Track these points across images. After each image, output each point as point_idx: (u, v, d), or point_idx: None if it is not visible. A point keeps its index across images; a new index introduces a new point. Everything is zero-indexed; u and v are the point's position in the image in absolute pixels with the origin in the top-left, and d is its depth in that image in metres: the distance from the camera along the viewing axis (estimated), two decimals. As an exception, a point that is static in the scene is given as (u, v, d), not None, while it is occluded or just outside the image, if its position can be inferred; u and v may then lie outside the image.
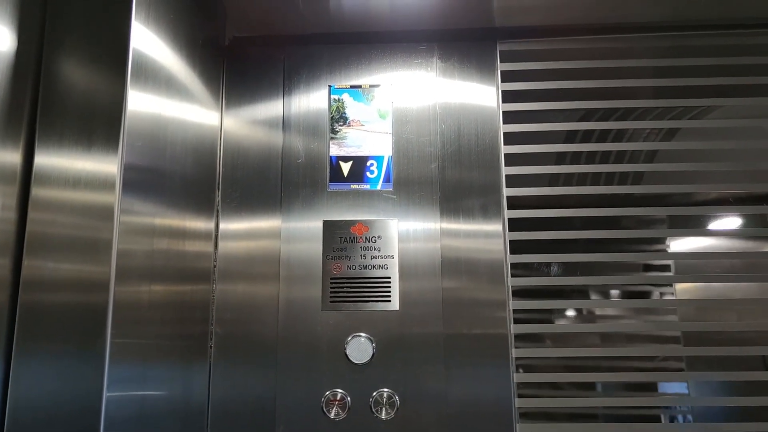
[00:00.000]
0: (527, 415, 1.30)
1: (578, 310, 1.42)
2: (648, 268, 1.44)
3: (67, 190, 0.92)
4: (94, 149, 0.93)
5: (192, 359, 1.23)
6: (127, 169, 0.93)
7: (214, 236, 1.36)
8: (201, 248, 1.28)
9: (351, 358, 1.30)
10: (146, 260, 1.01)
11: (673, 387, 1.38)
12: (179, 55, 1.16)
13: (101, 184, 0.92)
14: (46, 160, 0.93)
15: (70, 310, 0.88)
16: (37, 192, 0.92)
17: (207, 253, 1.32)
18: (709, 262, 1.44)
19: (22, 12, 0.94)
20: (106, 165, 0.92)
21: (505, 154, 1.40)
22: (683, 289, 1.43)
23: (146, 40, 1.02)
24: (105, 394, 0.86)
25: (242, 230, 1.38)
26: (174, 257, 1.13)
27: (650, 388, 1.38)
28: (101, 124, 0.94)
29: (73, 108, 0.95)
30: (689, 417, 1.37)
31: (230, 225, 1.38)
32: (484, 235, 1.36)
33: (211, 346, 1.31)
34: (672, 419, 1.38)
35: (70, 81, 0.96)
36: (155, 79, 1.05)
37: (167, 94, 1.10)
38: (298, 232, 1.37)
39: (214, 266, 1.35)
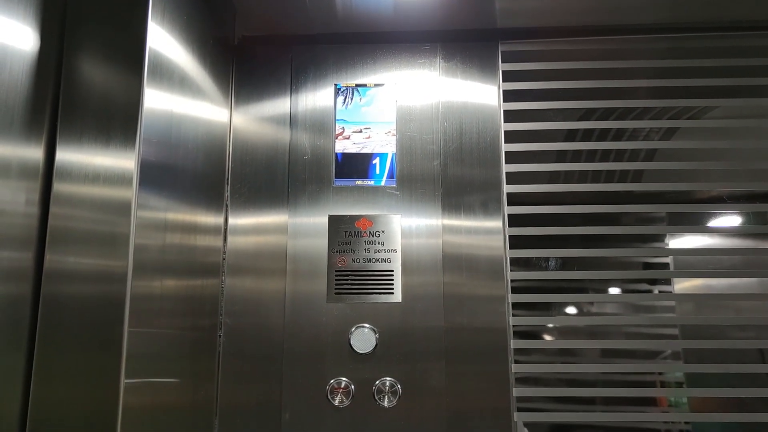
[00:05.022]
0: (525, 405, 1.34)
1: (576, 304, 1.46)
2: (647, 265, 1.47)
3: (87, 185, 0.95)
4: (112, 145, 0.97)
5: (202, 349, 1.27)
6: (144, 165, 0.97)
7: (224, 231, 1.40)
8: (211, 243, 1.32)
9: (355, 348, 1.34)
10: (160, 254, 1.05)
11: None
12: (191, 54, 1.20)
13: (119, 179, 0.95)
14: (66, 156, 0.97)
15: (90, 301, 0.92)
16: (58, 187, 0.96)
17: (216, 248, 1.36)
18: (706, 259, 1.47)
19: (43, 14, 0.98)
20: (123, 161, 0.96)
21: (505, 152, 1.44)
22: (681, 288, 1.47)
23: (161, 40, 1.06)
24: (123, 381, 0.90)
25: (251, 225, 1.41)
26: (186, 251, 1.17)
27: (647, 377, 1.42)
28: (119, 121, 0.97)
29: (92, 106, 0.99)
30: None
31: (239, 220, 1.42)
32: (485, 231, 1.39)
33: (220, 335, 1.35)
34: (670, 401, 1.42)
35: (89, 80, 1.00)
36: (170, 77, 1.09)
37: (180, 92, 1.14)
38: (304, 226, 1.41)
39: (223, 260, 1.39)
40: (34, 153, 0.95)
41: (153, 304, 1.02)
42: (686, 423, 1.42)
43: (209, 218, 1.31)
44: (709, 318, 1.41)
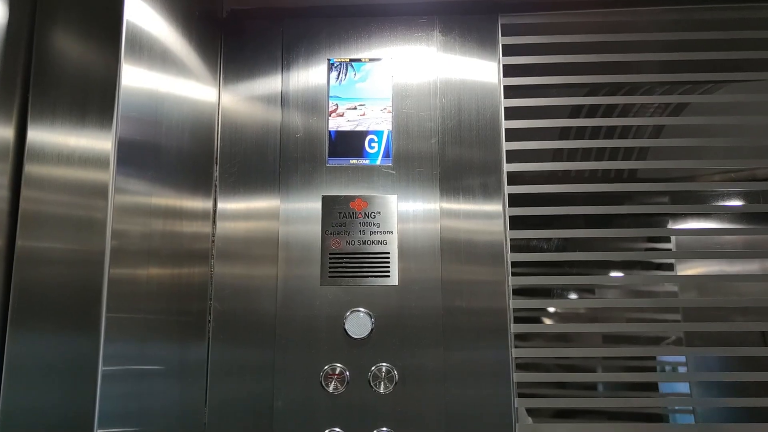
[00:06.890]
0: (525, 391, 1.31)
1: (577, 287, 1.42)
2: (650, 247, 1.44)
3: (61, 167, 0.91)
4: (88, 124, 0.92)
5: (190, 335, 1.23)
6: (122, 146, 0.93)
7: (212, 216, 1.35)
8: (198, 229, 1.27)
9: (350, 333, 1.30)
10: (142, 240, 1.01)
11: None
12: (175, 28, 1.15)
13: (95, 160, 0.91)
14: (39, 135, 0.92)
15: (65, 289, 0.88)
16: (30, 169, 0.91)
17: (205, 234, 1.31)
18: (711, 240, 1.43)
19: (13, -16, 0.93)
20: (100, 141, 0.91)
21: (505, 129, 1.39)
22: (686, 272, 1.44)
23: (141, 12, 1.01)
24: (101, 368, 0.87)
25: (241, 210, 1.37)
26: (171, 236, 1.13)
27: (649, 362, 1.39)
28: (95, 98, 0.93)
29: (66, 82, 0.94)
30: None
31: (228, 204, 1.37)
32: (484, 212, 1.35)
33: (209, 321, 1.32)
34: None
35: (63, 54, 0.95)
36: (150, 52, 1.04)
37: (163, 69, 1.09)
38: (296, 207, 1.37)
39: (212, 247, 1.34)
40: (4, 132, 0.91)
41: (134, 288, 0.98)
42: (689, 408, 1.39)
43: (197, 203, 1.26)
44: (712, 300, 1.37)
